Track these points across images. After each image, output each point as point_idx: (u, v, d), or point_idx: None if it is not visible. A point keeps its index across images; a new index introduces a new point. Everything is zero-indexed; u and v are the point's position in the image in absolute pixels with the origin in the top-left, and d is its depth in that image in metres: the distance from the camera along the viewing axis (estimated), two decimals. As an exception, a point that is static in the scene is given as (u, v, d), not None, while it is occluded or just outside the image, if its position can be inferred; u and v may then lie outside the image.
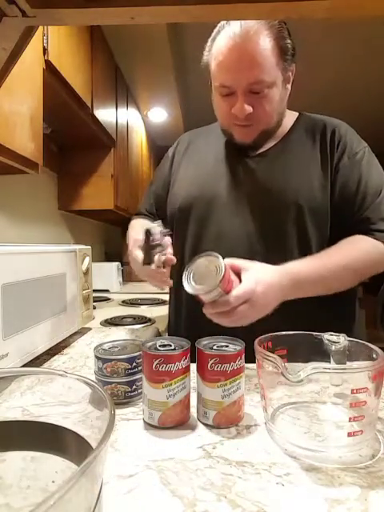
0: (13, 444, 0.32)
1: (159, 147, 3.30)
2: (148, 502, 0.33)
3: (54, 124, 1.48)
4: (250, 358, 0.49)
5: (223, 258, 0.54)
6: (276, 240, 0.75)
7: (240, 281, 0.57)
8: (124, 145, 2.09)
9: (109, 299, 1.73)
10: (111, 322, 1.20)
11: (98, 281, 1.72)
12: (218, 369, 0.46)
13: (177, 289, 0.87)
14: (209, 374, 0.46)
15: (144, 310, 1.46)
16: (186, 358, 0.47)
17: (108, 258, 2.61)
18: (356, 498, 0.34)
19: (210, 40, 0.75)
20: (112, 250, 2.67)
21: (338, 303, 0.78)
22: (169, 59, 1.95)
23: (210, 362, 0.46)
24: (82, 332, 0.96)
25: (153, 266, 0.65)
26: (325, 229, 0.77)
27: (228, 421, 0.47)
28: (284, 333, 0.51)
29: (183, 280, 0.55)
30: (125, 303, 1.61)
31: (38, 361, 0.72)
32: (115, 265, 2.07)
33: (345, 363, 0.49)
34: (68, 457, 0.30)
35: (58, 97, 1.22)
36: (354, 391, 0.41)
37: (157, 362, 0.45)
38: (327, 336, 0.51)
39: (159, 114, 2.68)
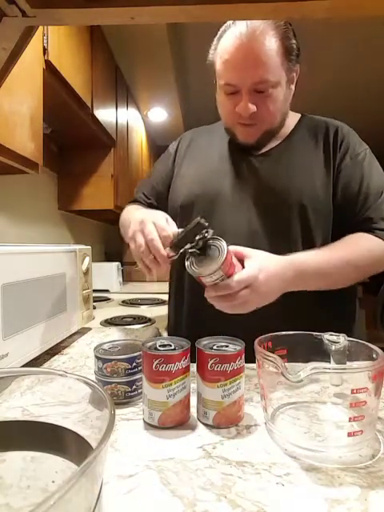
0: (13, 444, 0.32)
1: (159, 147, 3.30)
2: (148, 501, 0.33)
3: (54, 124, 1.48)
4: (250, 358, 0.49)
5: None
6: (279, 239, 0.75)
7: (243, 267, 0.58)
8: (124, 145, 2.09)
9: (109, 299, 1.73)
10: (111, 322, 1.20)
11: (98, 281, 1.72)
12: (218, 369, 0.46)
13: (177, 289, 0.88)
14: (209, 373, 0.46)
15: (144, 310, 1.46)
16: (185, 358, 0.47)
17: (108, 258, 2.61)
18: (356, 498, 0.34)
19: (215, 39, 0.75)
20: (112, 249, 2.67)
21: (338, 303, 0.78)
22: (169, 59, 1.95)
23: (210, 362, 0.46)
24: (82, 332, 0.96)
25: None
26: (327, 228, 0.77)
27: (228, 421, 0.47)
28: (284, 333, 0.51)
29: (185, 262, 0.55)
30: (125, 303, 1.61)
31: (37, 361, 0.72)
32: (115, 265, 2.07)
33: (345, 363, 0.49)
34: (68, 457, 0.30)
35: (58, 97, 1.22)
36: (354, 391, 0.41)
37: (157, 361, 0.45)
38: (327, 336, 0.51)
39: (159, 114, 2.68)
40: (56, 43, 1.10)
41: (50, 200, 1.78)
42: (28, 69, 0.94)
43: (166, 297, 0.98)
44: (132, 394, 0.53)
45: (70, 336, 0.89)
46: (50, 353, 0.78)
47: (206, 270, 0.53)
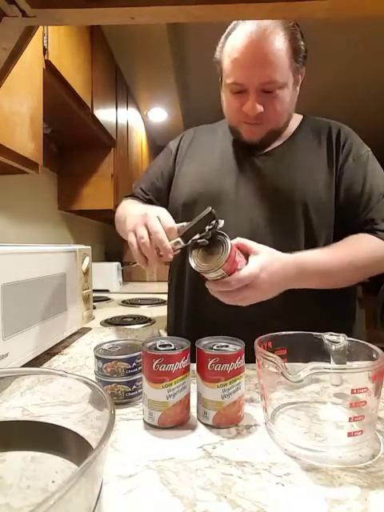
0: (13, 444, 0.32)
1: (159, 147, 3.30)
2: (148, 501, 0.33)
3: (54, 124, 1.48)
4: (250, 358, 0.49)
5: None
6: (282, 238, 0.75)
7: (247, 261, 0.58)
8: (124, 145, 2.09)
9: (109, 299, 1.73)
10: (111, 322, 1.19)
11: (98, 281, 1.72)
12: (218, 369, 0.46)
13: (176, 289, 0.87)
14: (209, 373, 0.46)
15: (144, 310, 1.46)
16: (185, 358, 0.47)
17: (108, 258, 2.61)
18: (356, 498, 0.34)
19: (223, 36, 0.74)
20: (112, 249, 2.67)
21: (338, 302, 0.78)
22: (169, 59, 1.95)
23: (210, 362, 0.46)
24: (81, 332, 0.96)
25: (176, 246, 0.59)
26: (329, 228, 0.77)
27: (228, 421, 0.47)
28: (284, 333, 0.51)
29: (189, 256, 0.55)
30: (125, 303, 1.61)
31: (37, 361, 0.72)
32: (115, 265, 2.07)
33: (345, 363, 0.49)
34: (68, 457, 0.30)
35: (58, 97, 1.22)
36: (354, 391, 0.41)
37: (157, 361, 0.45)
38: (327, 336, 0.51)
39: (159, 114, 2.68)
40: (56, 43, 1.10)
41: (49, 200, 1.78)
42: (28, 69, 0.94)
43: (166, 297, 0.98)
44: (132, 394, 0.53)
45: (70, 336, 0.89)
46: (50, 353, 0.78)
47: (207, 267, 0.53)
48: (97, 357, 0.54)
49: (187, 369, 0.47)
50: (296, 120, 0.84)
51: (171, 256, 0.59)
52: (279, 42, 0.68)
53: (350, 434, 0.40)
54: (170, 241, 0.58)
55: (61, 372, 0.32)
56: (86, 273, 0.95)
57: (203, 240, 0.54)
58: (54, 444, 0.31)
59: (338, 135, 0.80)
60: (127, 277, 2.46)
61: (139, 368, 0.53)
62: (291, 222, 0.76)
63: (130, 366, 0.53)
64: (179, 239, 0.57)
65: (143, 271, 2.44)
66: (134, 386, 0.53)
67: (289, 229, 0.76)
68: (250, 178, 0.79)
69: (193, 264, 0.55)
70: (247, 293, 0.57)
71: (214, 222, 0.53)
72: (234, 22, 0.72)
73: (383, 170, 0.80)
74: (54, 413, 0.32)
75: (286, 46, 0.69)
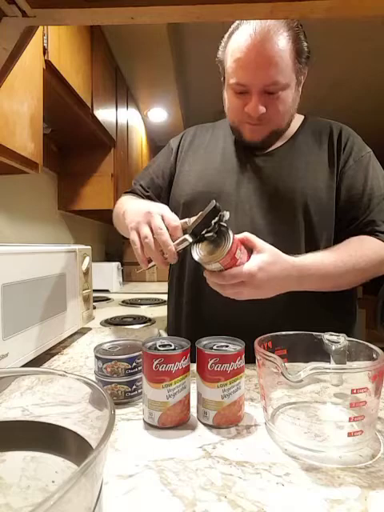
0: (13, 444, 0.32)
1: (159, 147, 3.27)
2: (148, 502, 0.33)
3: (54, 124, 1.48)
4: (250, 358, 0.49)
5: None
6: (282, 238, 0.75)
7: (249, 258, 0.58)
8: (124, 145, 2.09)
9: (109, 299, 1.73)
10: (111, 322, 1.19)
11: (98, 281, 1.72)
12: (218, 369, 0.46)
13: (177, 289, 0.87)
14: (209, 373, 0.46)
15: (144, 310, 1.46)
16: (185, 358, 0.47)
17: (108, 258, 2.61)
18: (356, 498, 0.34)
19: (226, 36, 0.74)
20: (112, 249, 2.67)
21: (338, 302, 0.78)
22: (169, 59, 1.95)
23: (210, 362, 0.46)
24: (81, 332, 0.96)
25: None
26: (330, 229, 0.77)
27: (228, 421, 0.47)
28: (284, 333, 0.51)
29: (191, 246, 0.56)
30: (125, 303, 1.61)
31: (37, 361, 0.72)
32: (115, 265, 2.07)
33: (345, 363, 0.49)
34: (68, 457, 0.30)
35: (58, 97, 1.22)
36: (354, 391, 0.41)
37: (157, 361, 0.45)
38: (327, 336, 0.51)
39: (159, 114, 2.68)
40: (56, 43, 1.10)
41: (49, 200, 1.78)
42: (28, 69, 0.94)
43: (166, 297, 0.98)
44: (132, 394, 0.53)
45: (70, 336, 0.89)
46: (49, 353, 0.78)
47: (205, 259, 0.54)
48: (97, 357, 0.54)
49: (187, 369, 0.47)
50: (297, 120, 0.84)
51: (175, 259, 0.58)
52: (283, 43, 0.67)
53: (350, 434, 0.40)
54: (174, 241, 0.57)
55: (61, 372, 0.32)
56: (86, 273, 0.95)
57: (211, 234, 0.54)
58: (54, 444, 0.31)
59: (339, 136, 0.80)
60: (127, 277, 2.46)
61: (139, 368, 0.53)
62: (292, 222, 0.75)
63: (129, 366, 0.53)
64: (187, 236, 0.56)
65: (144, 271, 2.44)
66: (134, 386, 0.53)
67: (289, 229, 0.75)
68: (251, 178, 0.79)
69: (195, 256, 0.55)
70: (242, 289, 0.57)
71: (219, 214, 0.54)
72: (237, 22, 0.71)
73: None
74: (53, 413, 0.32)
75: (289, 47, 0.68)
